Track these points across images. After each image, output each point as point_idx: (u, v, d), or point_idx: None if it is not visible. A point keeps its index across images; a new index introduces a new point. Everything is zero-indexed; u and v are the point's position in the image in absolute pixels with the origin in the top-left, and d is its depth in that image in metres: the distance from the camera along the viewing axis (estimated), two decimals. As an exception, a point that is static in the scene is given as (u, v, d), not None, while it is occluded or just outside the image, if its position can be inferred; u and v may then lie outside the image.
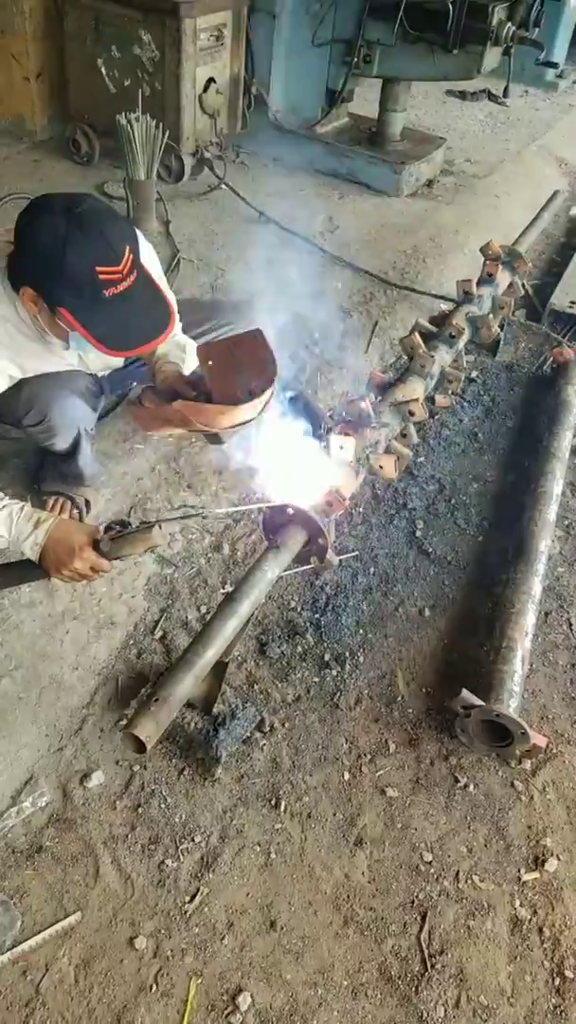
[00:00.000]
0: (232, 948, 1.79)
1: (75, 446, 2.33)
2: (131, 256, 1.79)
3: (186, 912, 1.83)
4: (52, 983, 1.71)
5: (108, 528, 1.84)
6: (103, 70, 4.19)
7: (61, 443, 2.29)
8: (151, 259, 2.14)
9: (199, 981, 1.73)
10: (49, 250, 1.73)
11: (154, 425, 2.10)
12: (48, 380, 2.15)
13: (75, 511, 2.49)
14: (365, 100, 5.09)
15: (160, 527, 1.77)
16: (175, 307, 2.10)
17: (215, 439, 2.07)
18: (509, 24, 4.06)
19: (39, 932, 1.77)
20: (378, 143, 4.80)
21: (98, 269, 1.73)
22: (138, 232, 1.99)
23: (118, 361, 2.34)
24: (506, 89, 4.77)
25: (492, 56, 4.23)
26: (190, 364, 2.22)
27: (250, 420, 2.02)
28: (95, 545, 1.83)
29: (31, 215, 1.80)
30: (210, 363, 2.03)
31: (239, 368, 2.02)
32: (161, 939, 1.79)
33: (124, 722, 2.03)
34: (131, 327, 1.84)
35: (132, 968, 1.74)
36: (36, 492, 2.53)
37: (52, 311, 1.81)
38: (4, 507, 1.88)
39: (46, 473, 2.52)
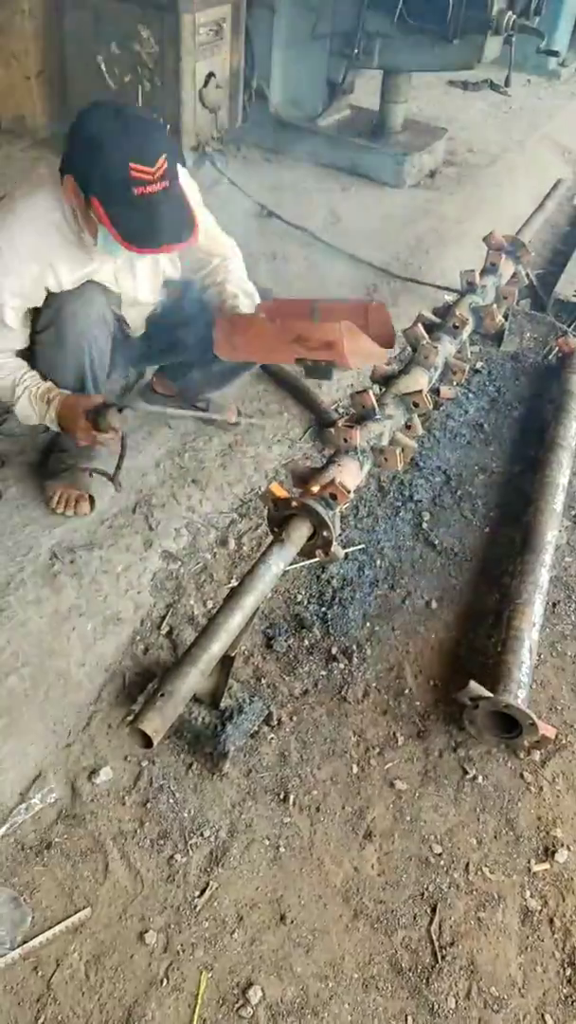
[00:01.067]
0: (242, 942, 1.79)
1: (81, 382, 2.31)
2: (165, 165, 1.91)
3: (196, 906, 1.83)
4: (63, 978, 1.71)
5: (103, 405, 2.18)
6: (103, 67, 4.18)
7: (69, 361, 2.25)
8: (190, 184, 2.23)
9: (209, 975, 1.73)
10: (91, 140, 1.90)
11: (243, 344, 2.23)
12: (69, 292, 2.20)
13: (84, 502, 2.51)
14: (366, 92, 5.07)
15: (120, 410, 2.16)
16: (219, 236, 2.41)
17: (324, 373, 2.22)
18: (510, 13, 4.02)
19: (49, 928, 1.77)
20: (380, 135, 4.78)
21: (131, 166, 1.87)
22: (182, 169, 2.09)
23: (148, 293, 2.39)
24: (508, 78, 4.73)
25: (493, 45, 4.20)
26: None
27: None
28: (88, 417, 2.16)
29: (86, 110, 1.99)
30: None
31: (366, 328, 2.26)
32: (171, 933, 1.79)
33: (131, 718, 2.03)
34: (154, 229, 1.96)
35: (142, 963, 1.74)
36: (41, 488, 2.54)
37: (87, 202, 1.94)
38: (25, 390, 2.21)
39: (52, 467, 2.53)
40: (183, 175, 2.11)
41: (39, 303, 2.20)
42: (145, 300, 2.42)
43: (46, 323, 2.20)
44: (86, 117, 1.96)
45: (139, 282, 2.36)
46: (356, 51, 4.41)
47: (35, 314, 2.24)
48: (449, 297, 3.60)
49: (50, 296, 2.19)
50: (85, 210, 1.99)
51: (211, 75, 4.14)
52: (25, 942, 1.74)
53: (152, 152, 1.89)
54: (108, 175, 1.88)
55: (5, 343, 2.24)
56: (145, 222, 1.94)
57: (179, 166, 2.03)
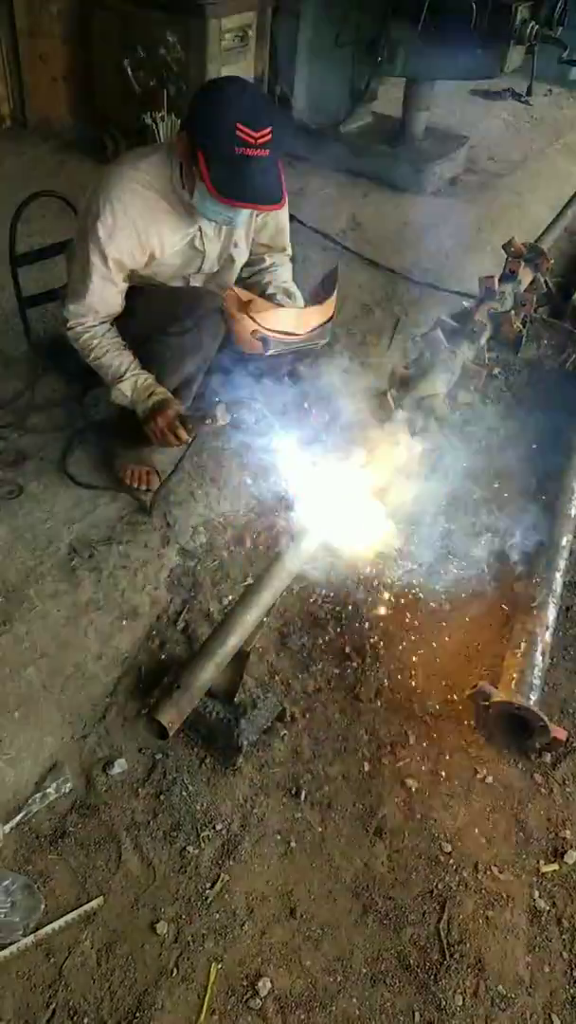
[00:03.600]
0: (252, 934, 1.80)
1: (189, 380, 2.46)
2: (270, 136, 2.04)
3: (207, 898, 1.85)
4: (75, 965, 1.73)
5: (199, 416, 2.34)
6: (129, 71, 4.24)
7: (192, 364, 2.42)
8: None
9: (219, 966, 1.75)
10: (209, 97, 2.07)
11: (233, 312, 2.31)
12: (209, 304, 2.35)
13: (153, 476, 2.61)
14: (389, 99, 5.11)
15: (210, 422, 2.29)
16: (286, 236, 2.54)
17: (262, 350, 2.28)
18: (533, 23, 4.06)
19: (62, 915, 1.79)
20: (402, 142, 4.81)
21: (238, 125, 2.00)
22: None
23: (216, 263, 2.48)
24: (530, 88, 4.77)
25: (516, 55, 4.23)
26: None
27: (296, 338, 2.26)
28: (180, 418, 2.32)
29: (213, 80, 2.23)
30: None
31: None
32: (182, 924, 1.81)
33: (147, 710, 2.05)
34: (244, 185, 2.08)
35: (153, 952, 1.76)
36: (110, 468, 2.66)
37: (193, 155, 2.08)
38: (133, 376, 2.38)
39: (117, 448, 2.63)
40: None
41: (141, 266, 2.32)
42: (213, 269, 2.51)
43: (186, 327, 2.33)
44: (212, 83, 2.16)
45: (220, 247, 2.46)
46: (380, 58, 4.46)
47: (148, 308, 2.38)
48: (468, 303, 3.63)
49: (188, 301, 2.34)
50: (190, 164, 2.12)
51: (235, 80, 4.18)
52: (38, 929, 1.77)
53: (261, 120, 2.02)
54: (217, 130, 2.02)
55: (108, 307, 2.35)
56: (238, 177, 2.06)
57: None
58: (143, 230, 2.24)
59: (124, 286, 2.36)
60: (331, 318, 2.29)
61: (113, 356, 2.38)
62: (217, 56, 4.00)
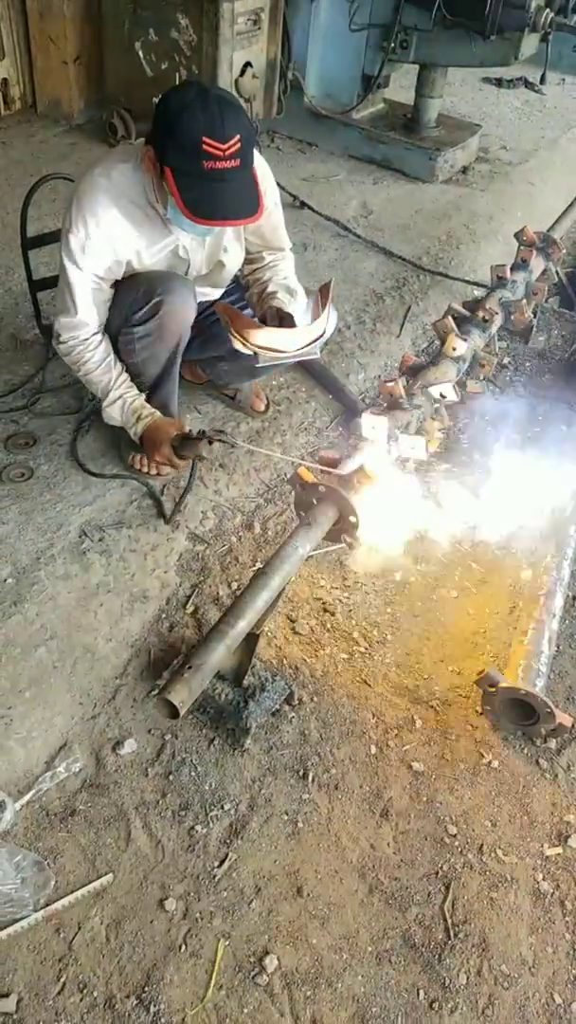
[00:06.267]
0: (259, 912, 1.83)
1: (168, 370, 2.42)
2: (239, 144, 1.96)
3: (215, 876, 1.87)
4: (84, 941, 1.76)
5: (187, 434, 2.30)
6: (140, 54, 4.23)
7: (164, 352, 2.36)
8: (266, 176, 2.30)
9: (227, 943, 1.78)
10: (171, 112, 1.97)
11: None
12: (167, 284, 2.27)
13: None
14: (401, 86, 5.08)
15: (209, 442, 2.19)
16: (282, 234, 2.49)
17: (252, 361, 2.26)
18: (547, 10, 4.03)
19: (72, 892, 1.82)
20: (413, 129, 4.79)
21: (204, 139, 1.93)
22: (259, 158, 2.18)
23: (206, 267, 2.44)
24: (543, 76, 4.73)
25: (530, 43, 4.21)
26: (295, 310, 2.39)
27: (284, 354, 2.20)
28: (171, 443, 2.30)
29: (175, 87, 2.10)
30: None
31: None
32: (190, 901, 1.83)
33: (157, 691, 2.07)
34: (216, 202, 2.02)
35: (162, 928, 1.79)
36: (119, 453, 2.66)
37: (161, 173, 2.03)
38: (120, 397, 2.38)
39: (124, 438, 2.60)
40: (260, 163, 2.18)
41: (120, 276, 2.28)
42: (202, 272, 2.46)
43: (147, 315, 2.26)
44: (172, 92, 2.04)
45: (206, 253, 2.41)
46: (393, 45, 4.43)
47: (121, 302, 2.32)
48: (479, 292, 3.63)
49: (145, 285, 2.26)
50: (159, 181, 2.08)
51: (248, 65, 4.17)
52: (48, 905, 1.79)
53: (226, 130, 1.94)
54: (182, 147, 1.95)
55: (94, 314, 2.30)
56: (210, 195, 2.00)
57: (256, 153, 2.09)
58: (117, 241, 2.19)
59: (110, 294, 2.31)
60: (322, 335, 2.22)
61: (101, 372, 2.36)
62: (230, 39, 3.98)
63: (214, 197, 2.00)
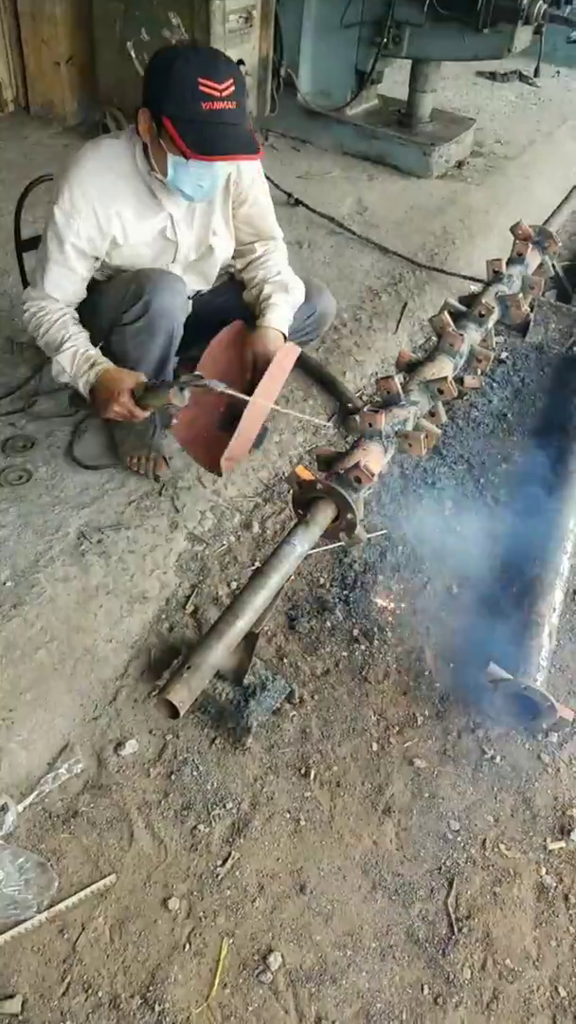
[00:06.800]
0: (263, 910, 1.83)
1: (160, 368, 2.37)
2: (234, 87, 1.97)
3: (218, 875, 1.87)
4: (88, 941, 1.76)
5: (152, 380, 2.15)
6: (132, 53, 4.22)
7: (156, 351, 2.32)
8: (255, 166, 2.40)
9: (231, 941, 1.78)
10: (163, 64, 1.98)
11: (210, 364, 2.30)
12: (156, 282, 2.25)
13: (161, 463, 2.62)
14: (394, 82, 5.08)
15: (181, 389, 2.00)
16: (273, 222, 2.49)
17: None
18: (541, 2, 4.01)
19: (75, 892, 1.82)
20: (408, 125, 4.78)
21: (200, 80, 1.93)
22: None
23: (195, 251, 2.42)
24: (537, 69, 4.73)
25: (523, 35, 4.19)
26: (294, 301, 2.44)
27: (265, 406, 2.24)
28: (132, 393, 2.11)
29: (162, 49, 2.09)
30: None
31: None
32: (194, 901, 1.84)
33: (157, 691, 2.08)
34: (220, 140, 2.01)
35: (166, 928, 1.79)
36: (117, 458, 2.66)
37: (158, 128, 2.02)
38: (72, 346, 2.22)
39: (120, 437, 2.61)
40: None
41: (102, 253, 2.26)
42: (190, 258, 2.45)
43: (136, 315, 2.24)
44: (161, 52, 2.05)
45: (195, 236, 2.40)
46: (385, 40, 4.42)
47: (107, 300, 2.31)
48: (475, 287, 3.62)
49: (134, 284, 2.24)
50: (156, 140, 2.06)
51: (240, 63, 4.14)
52: (52, 906, 1.79)
53: (222, 71, 1.96)
54: (179, 92, 1.95)
55: (65, 294, 2.28)
56: (212, 133, 1.99)
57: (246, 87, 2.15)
58: (102, 212, 2.17)
59: (85, 275, 2.29)
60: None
61: (57, 329, 2.25)
62: (221, 37, 3.97)
63: (216, 135, 1.99)
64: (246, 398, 2.09)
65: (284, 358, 2.30)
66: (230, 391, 2.02)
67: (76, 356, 2.22)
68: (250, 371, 2.37)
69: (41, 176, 2.66)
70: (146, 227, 2.28)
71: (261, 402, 2.19)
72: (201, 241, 2.41)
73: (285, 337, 2.40)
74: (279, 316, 2.39)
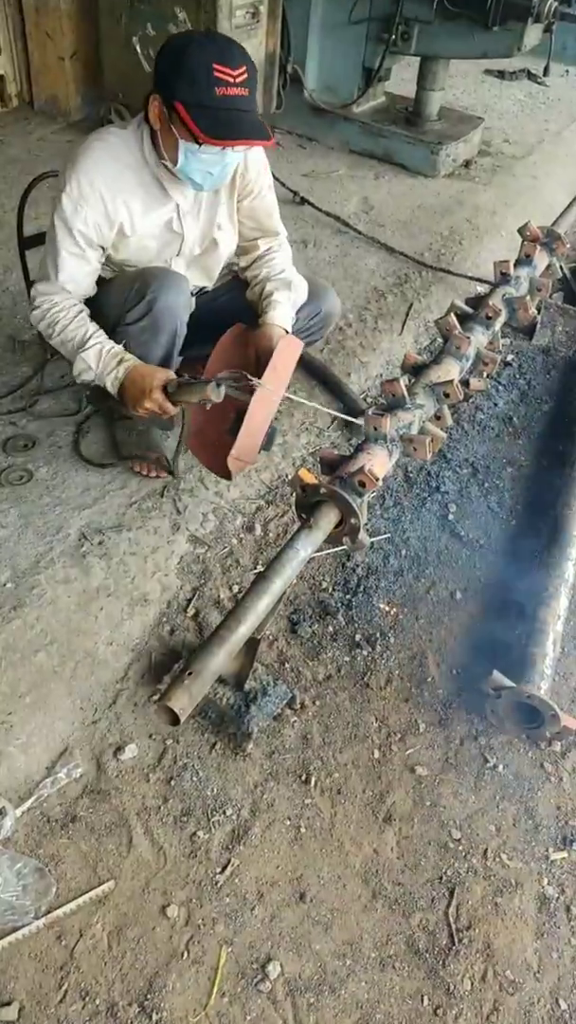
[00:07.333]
0: (262, 918, 1.82)
1: (164, 364, 2.34)
2: (246, 75, 1.97)
3: (217, 883, 1.86)
4: (86, 948, 1.75)
5: (179, 376, 2.13)
6: (138, 48, 4.18)
7: (158, 350, 2.31)
8: (259, 155, 2.38)
9: (230, 949, 1.77)
10: (175, 50, 1.97)
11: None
12: (160, 280, 2.24)
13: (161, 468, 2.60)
14: (402, 79, 5.04)
15: (217, 384, 2.01)
16: (276, 218, 2.47)
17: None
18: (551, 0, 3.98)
19: (74, 899, 1.80)
20: (415, 123, 4.74)
21: (215, 65, 1.92)
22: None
23: (199, 245, 2.39)
24: (546, 68, 4.70)
25: (533, 33, 4.15)
26: (296, 300, 2.43)
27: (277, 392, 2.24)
28: (164, 388, 2.11)
29: (173, 35, 2.11)
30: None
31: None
32: (193, 908, 1.82)
33: (158, 697, 2.06)
34: (235, 125, 2.00)
35: (164, 935, 1.78)
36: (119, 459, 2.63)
37: (170, 114, 2.00)
38: (96, 343, 2.20)
39: (121, 436, 2.59)
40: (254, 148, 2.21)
41: (108, 243, 2.24)
42: (195, 252, 2.44)
43: (140, 314, 2.23)
44: (173, 38, 2.05)
45: (200, 229, 2.38)
46: (393, 37, 4.38)
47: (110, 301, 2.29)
48: (482, 288, 3.59)
49: (138, 283, 2.23)
50: (167, 127, 2.05)
51: (247, 59, 4.13)
52: (49, 912, 1.78)
53: (236, 57, 1.96)
54: (192, 77, 1.94)
55: (79, 287, 2.26)
56: (226, 118, 1.98)
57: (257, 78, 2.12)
58: (109, 201, 2.16)
59: (97, 266, 2.28)
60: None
61: (76, 326, 2.23)
62: (228, 32, 3.93)
63: (229, 120, 1.98)
64: (265, 386, 2.09)
65: (287, 348, 2.27)
66: (268, 387, 2.04)
67: (102, 353, 2.20)
68: (254, 370, 2.35)
69: (45, 172, 2.64)
70: (152, 218, 2.26)
71: (269, 388, 2.16)
72: (205, 235, 2.40)
73: (288, 334, 2.38)
74: (282, 314, 2.38)
